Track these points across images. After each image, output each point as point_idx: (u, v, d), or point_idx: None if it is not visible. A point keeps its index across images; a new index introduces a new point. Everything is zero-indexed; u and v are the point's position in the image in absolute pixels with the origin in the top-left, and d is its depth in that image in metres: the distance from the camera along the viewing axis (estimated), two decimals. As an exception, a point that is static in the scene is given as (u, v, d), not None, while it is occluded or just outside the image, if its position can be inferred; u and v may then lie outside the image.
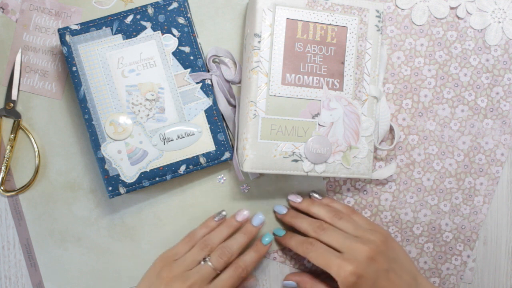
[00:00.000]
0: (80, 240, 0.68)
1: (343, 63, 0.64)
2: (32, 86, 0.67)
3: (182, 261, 0.60)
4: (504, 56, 0.70)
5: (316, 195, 0.68)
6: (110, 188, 0.63)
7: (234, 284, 0.60)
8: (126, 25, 0.64)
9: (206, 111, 0.65)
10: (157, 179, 0.64)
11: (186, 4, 0.65)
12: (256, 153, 0.62)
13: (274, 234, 0.68)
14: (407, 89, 0.70)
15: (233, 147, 0.66)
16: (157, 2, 0.64)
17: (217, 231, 0.64)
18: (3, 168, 0.67)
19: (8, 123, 0.67)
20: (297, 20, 0.63)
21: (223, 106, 0.66)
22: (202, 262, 0.60)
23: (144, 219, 0.68)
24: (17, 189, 0.67)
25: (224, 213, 0.66)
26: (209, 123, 0.65)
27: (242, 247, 0.63)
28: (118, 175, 0.63)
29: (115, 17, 0.64)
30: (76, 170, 0.68)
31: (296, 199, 0.68)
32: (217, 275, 0.60)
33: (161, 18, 0.64)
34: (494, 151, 0.71)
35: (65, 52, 0.63)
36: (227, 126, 0.67)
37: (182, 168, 0.64)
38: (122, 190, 0.63)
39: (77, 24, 0.63)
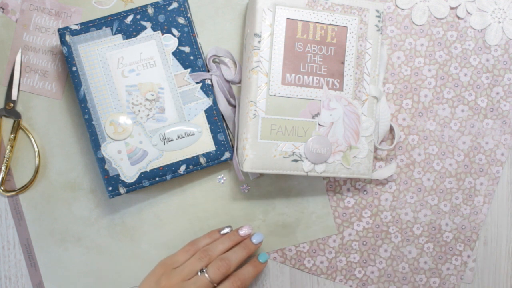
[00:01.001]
0: (80, 240, 0.68)
1: (343, 63, 0.64)
2: (32, 86, 0.67)
3: (181, 270, 0.60)
4: (504, 56, 0.70)
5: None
6: (110, 188, 0.63)
7: None
8: (126, 25, 0.64)
9: (206, 111, 0.65)
10: (157, 179, 0.63)
11: (186, 4, 0.65)
12: (256, 153, 0.62)
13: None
14: (407, 89, 0.70)
15: (233, 147, 0.66)
16: (157, 2, 0.64)
17: (218, 242, 0.63)
18: (3, 168, 0.67)
19: (8, 123, 0.67)
20: (297, 20, 0.63)
21: (223, 106, 0.66)
22: (199, 273, 0.60)
23: (144, 219, 0.68)
24: (17, 189, 0.67)
25: (229, 229, 0.65)
26: (209, 123, 0.65)
27: (240, 261, 0.62)
28: (118, 175, 0.63)
29: (115, 17, 0.64)
30: (76, 170, 0.68)
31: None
32: (214, 287, 0.60)
33: (161, 18, 0.64)
34: (494, 151, 0.71)
35: (65, 52, 0.63)
36: (227, 126, 0.67)
37: (182, 168, 0.64)
38: (122, 190, 0.63)
39: (77, 24, 0.63)
